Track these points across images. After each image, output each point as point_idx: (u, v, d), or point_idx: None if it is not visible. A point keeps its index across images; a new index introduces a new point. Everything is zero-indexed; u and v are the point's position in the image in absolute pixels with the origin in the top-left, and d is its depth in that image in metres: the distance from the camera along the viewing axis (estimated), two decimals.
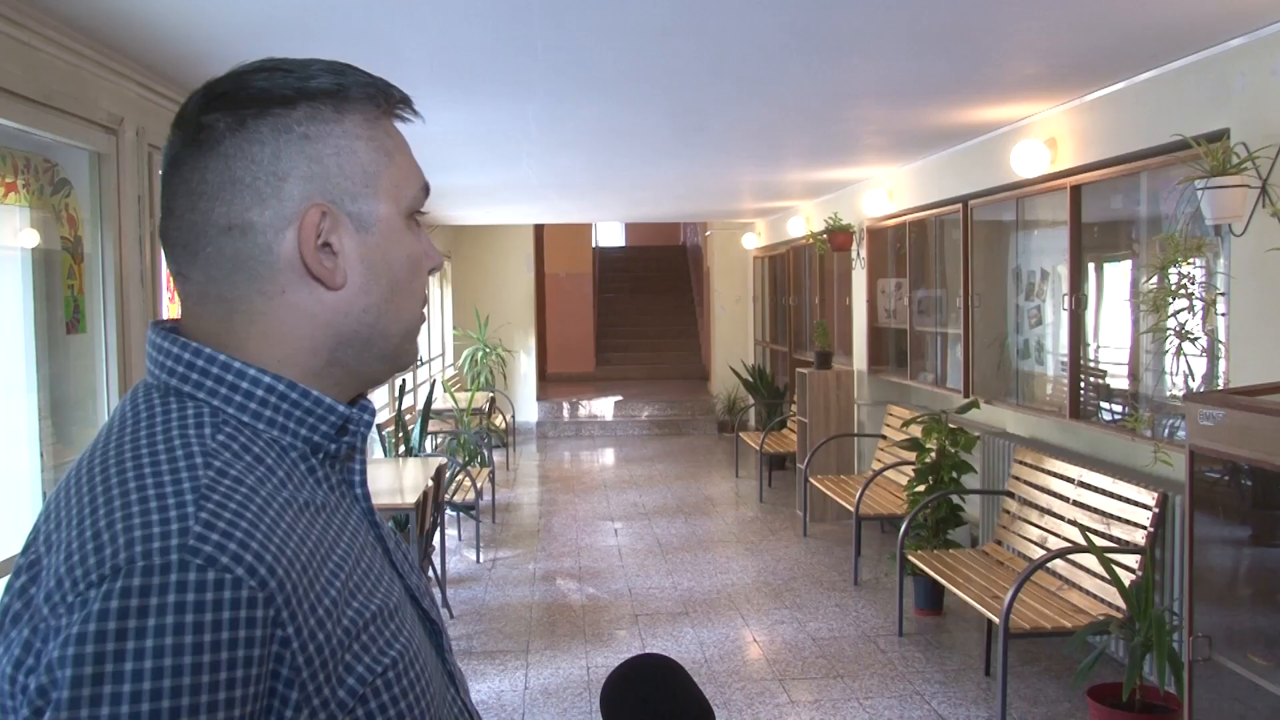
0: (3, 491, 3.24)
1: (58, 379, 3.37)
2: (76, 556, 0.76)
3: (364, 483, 0.98)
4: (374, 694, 0.83)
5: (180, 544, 0.75)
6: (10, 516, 3.21)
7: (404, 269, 0.95)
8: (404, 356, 0.98)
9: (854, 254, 8.39)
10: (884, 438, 7.46)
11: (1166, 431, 4.38)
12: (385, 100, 0.95)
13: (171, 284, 4.24)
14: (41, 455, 3.27)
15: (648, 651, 1.14)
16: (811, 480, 7.64)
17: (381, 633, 0.86)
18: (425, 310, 1.00)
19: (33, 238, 3.23)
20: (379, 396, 7.81)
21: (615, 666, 1.09)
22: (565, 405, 13.59)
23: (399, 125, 0.98)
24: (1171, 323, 3.73)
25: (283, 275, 0.89)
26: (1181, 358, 3.78)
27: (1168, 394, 4.39)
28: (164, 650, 0.71)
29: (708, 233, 14.60)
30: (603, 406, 13.55)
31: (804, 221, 9.87)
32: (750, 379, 11.43)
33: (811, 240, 9.11)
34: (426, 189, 0.98)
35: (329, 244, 0.90)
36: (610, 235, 19.69)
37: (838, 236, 8.28)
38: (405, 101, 0.98)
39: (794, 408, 9.09)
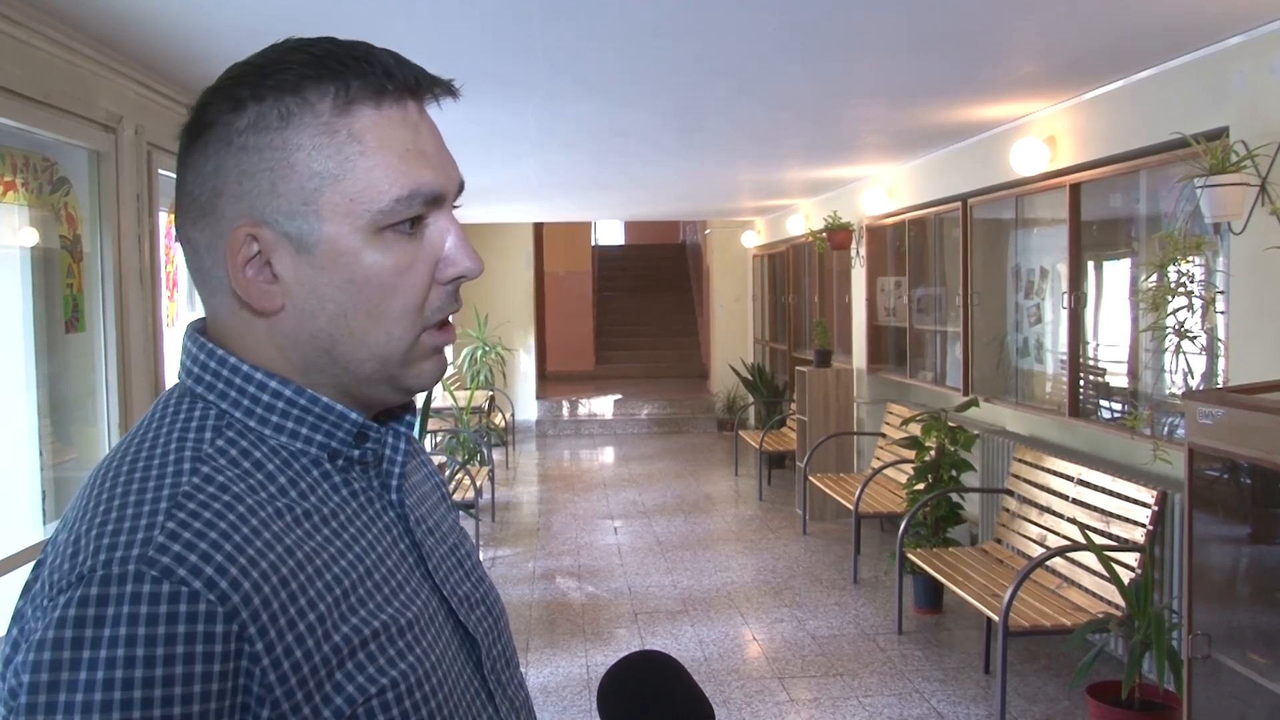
0: (2, 491, 3.24)
1: (57, 378, 3.37)
2: (58, 560, 0.76)
3: (400, 488, 0.93)
4: (367, 714, 0.79)
5: (140, 554, 0.73)
6: (10, 515, 3.21)
7: (365, 290, 0.84)
8: (402, 380, 0.89)
9: (853, 252, 8.39)
10: (883, 436, 7.46)
11: (1166, 430, 4.38)
12: (346, 91, 0.84)
13: (173, 282, 4.24)
14: (41, 454, 3.27)
15: (646, 648, 1.12)
16: (811, 478, 7.64)
17: (384, 651, 0.81)
18: (422, 331, 0.88)
19: (32, 236, 3.23)
20: None
21: (612, 664, 1.08)
22: (565, 404, 13.59)
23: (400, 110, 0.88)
24: (1170, 321, 3.73)
25: (230, 295, 0.86)
26: (1181, 356, 3.78)
27: (1167, 392, 4.40)
28: (115, 661, 0.70)
29: (707, 231, 14.60)
30: (602, 405, 13.55)
31: (803, 220, 9.87)
32: (750, 377, 11.42)
33: (811, 238, 9.11)
34: (421, 193, 0.86)
35: (270, 264, 0.84)
36: (609, 234, 19.68)
37: (837, 235, 8.28)
38: (395, 84, 0.86)
39: (793, 406, 9.09)
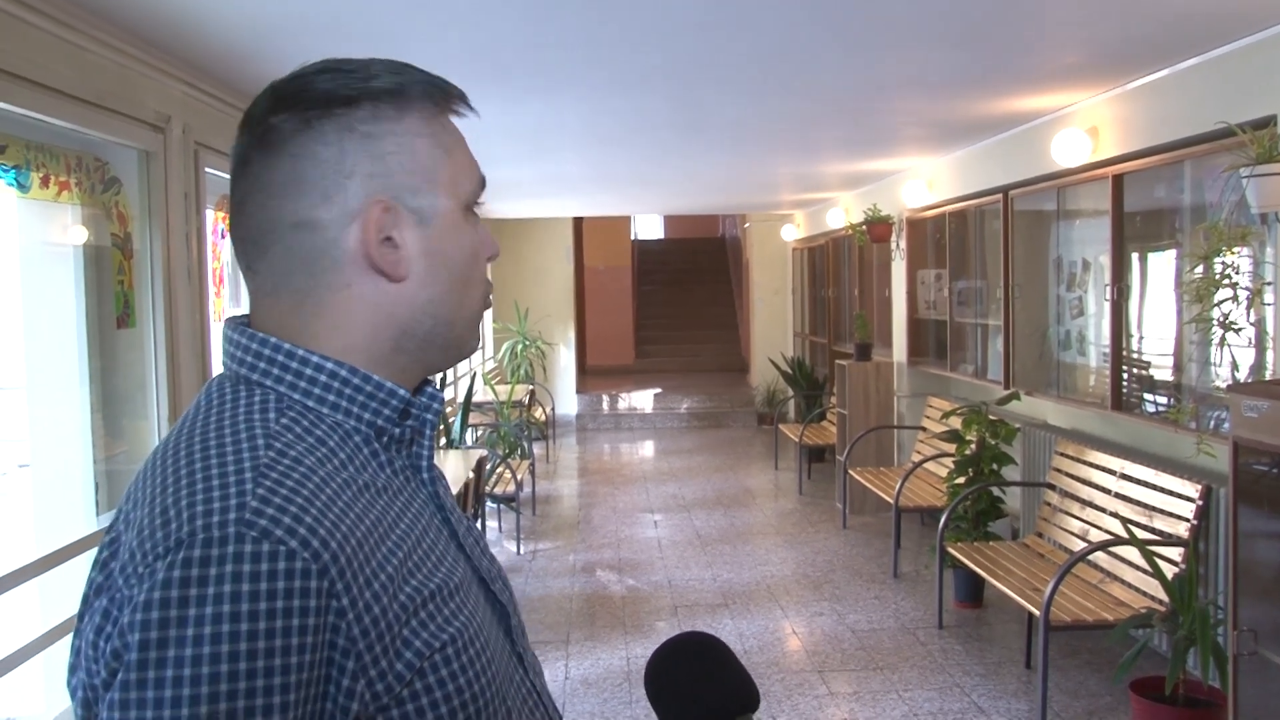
0: (57, 483, 3.32)
1: (108, 372, 3.45)
2: (146, 531, 0.81)
3: (430, 467, 1.01)
4: (432, 668, 0.86)
5: (237, 518, 0.79)
6: (66, 507, 3.29)
7: (464, 260, 0.98)
8: (467, 344, 1.02)
9: (893, 245, 8.35)
10: (924, 430, 7.43)
11: (1212, 424, 4.33)
12: (443, 98, 0.98)
13: (219, 278, 4.31)
14: (94, 447, 3.35)
15: (693, 630, 1.14)
16: (851, 472, 7.63)
17: (440, 610, 0.89)
18: (489, 297, 1.04)
19: (85, 235, 3.31)
20: None
21: (661, 644, 1.10)
22: (604, 398, 13.63)
23: (457, 121, 1.03)
24: (1216, 313, 3.69)
25: (348, 269, 0.94)
26: (1226, 348, 3.74)
27: (1212, 385, 4.34)
28: (222, 617, 0.76)
29: (746, 225, 14.57)
30: (642, 399, 13.58)
31: (843, 213, 9.83)
32: (789, 371, 11.40)
33: (851, 231, 9.07)
34: (483, 182, 1.02)
35: (391, 238, 0.94)
36: (649, 228, 19.69)
37: (877, 228, 8.24)
38: (462, 98, 1.01)
39: (833, 400, 9.07)
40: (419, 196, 0.95)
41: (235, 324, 0.97)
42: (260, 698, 0.76)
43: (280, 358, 0.93)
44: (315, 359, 0.93)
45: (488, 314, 12.13)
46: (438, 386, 1.06)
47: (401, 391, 0.96)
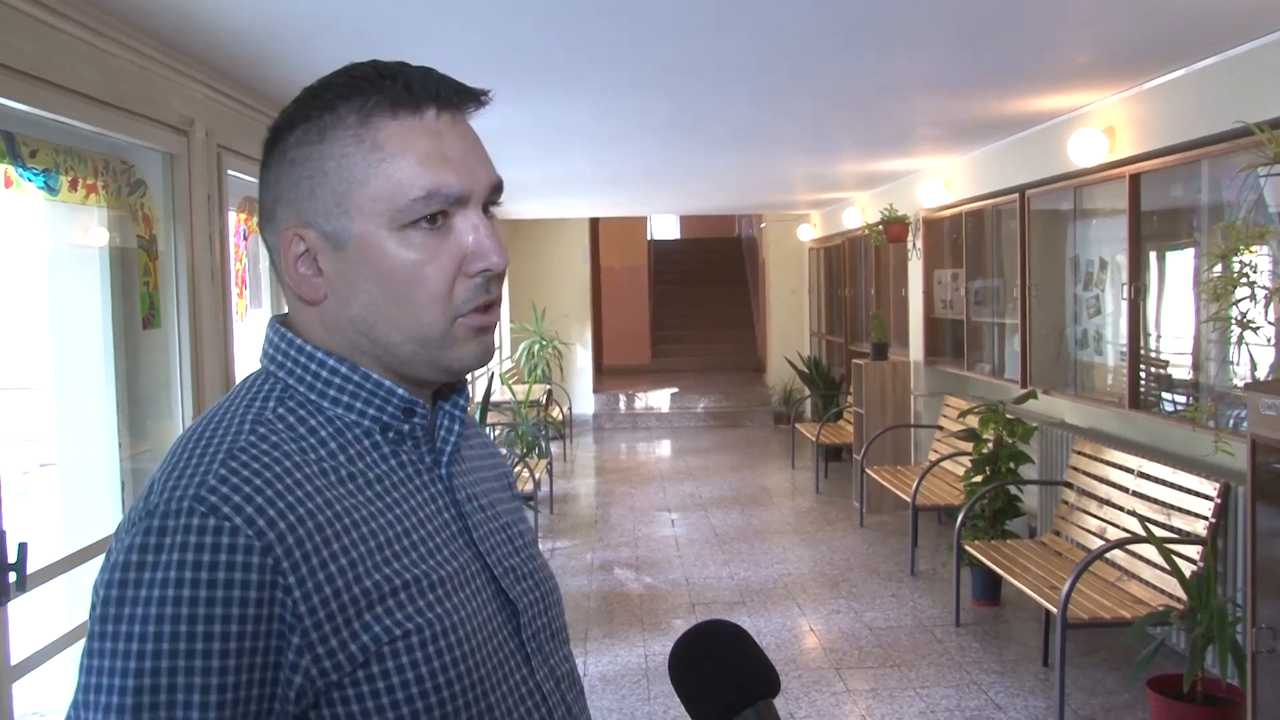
0: (84, 482, 3.37)
1: (133, 373, 3.49)
2: (138, 502, 0.91)
3: (450, 463, 1.04)
4: (392, 655, 0.89)
5: (194, 494, 0.87)
6: (91, 505, 3.34)
7: (391, 280, 0.95)
8: (444, 362, 0.99)
9: (910, 245, 8.35)
10: (940, 428, 7.43)
11: (1230, 422, 4.32)
12: (365, 105, 0.94)
13: (241, 279, 4.36)
14: (119, 446, 3.40)
15: (717, 618, 1.15)
16: (868, 471, 7.63)
17: (413, 601, 0.91)
18: (456, 318, 0.97)
19: (111, 237, 3.35)
20: None
21: (684, 632, 1.12)
22: (621, 397, 13.66)
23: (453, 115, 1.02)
24: (1234, 312, 3.69)
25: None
26: (1244, 347, 3.73)
27: (1230, 384, 4.34)
28: (169, 581, 0.84)
29: (763, 224, 14.57)
30: (659, 398, 13.60)
31: (859, 212, 9.83)
32: (806, 370, 11.40)
33: (867, 231, 9.07)
34: (442, 194, 0.95)
35: (316, 260, 0.98)
36: (665, 228, 19.70)
37: (893, 227, 8.24)
38: (407, 99, 0.95)
39: (850, 399, 9.07)
40: (330, 221, 0.96)
41: (273, 321, 1.04)
42: (199, 659, 0.83)
43: (292, 352, 1.00)
44: (320, 354, 0.99)
45: (503, 318, 12.17)
46: (465, 393, 1.07)
47: (400, 391, 0.99)
